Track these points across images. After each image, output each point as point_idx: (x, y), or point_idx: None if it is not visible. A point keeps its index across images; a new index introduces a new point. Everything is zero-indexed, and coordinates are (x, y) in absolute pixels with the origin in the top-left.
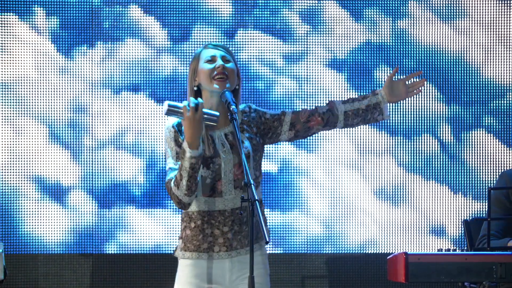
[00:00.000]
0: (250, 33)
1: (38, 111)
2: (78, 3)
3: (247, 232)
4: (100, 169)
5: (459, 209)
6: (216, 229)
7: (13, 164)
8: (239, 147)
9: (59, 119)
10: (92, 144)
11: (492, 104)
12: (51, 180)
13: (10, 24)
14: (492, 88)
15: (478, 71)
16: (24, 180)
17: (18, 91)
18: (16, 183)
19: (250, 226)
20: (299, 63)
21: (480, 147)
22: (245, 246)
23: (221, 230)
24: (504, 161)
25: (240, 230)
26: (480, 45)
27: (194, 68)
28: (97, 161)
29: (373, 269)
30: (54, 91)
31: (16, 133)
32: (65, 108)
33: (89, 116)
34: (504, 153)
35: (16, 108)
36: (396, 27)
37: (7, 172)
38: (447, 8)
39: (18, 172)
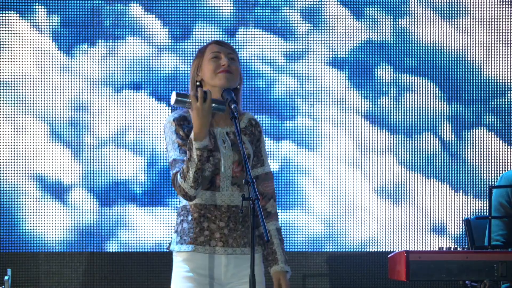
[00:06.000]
0: (251, 31)
1: (39, 109)
2: (79, 1)
3: (242, 232)
4: (101, 167)
5: (460, 208)
6: (212, 223)
7: (14, 162)
8: (239, 145)
9: (60, 117)
10: (93, 142)
11: (493, 103)
12: (52, 178)
13: (11, 22)
14: (493, 86)
15: (479, 70)
16: (25, 178)
17: (19, 89)
18: (17, 181)
19: (251, 224)
20: (300, 62)
21: (481, 146)
22: (241, 246)
23: (217, 224)
24: (505, 159)
25: (235, 229)
26: (481, 43)
27: (198, 64)
28: (98, 159)
29: (374, 267)
30: (55, 89)
31: (17, 131)
32: (66, 106)
33: (90, 114)
34: (505, 151)
35: (17, 106)
36: (397, 25)
37: (8, 170)
38: (448, 6)
39: (19, 170)
